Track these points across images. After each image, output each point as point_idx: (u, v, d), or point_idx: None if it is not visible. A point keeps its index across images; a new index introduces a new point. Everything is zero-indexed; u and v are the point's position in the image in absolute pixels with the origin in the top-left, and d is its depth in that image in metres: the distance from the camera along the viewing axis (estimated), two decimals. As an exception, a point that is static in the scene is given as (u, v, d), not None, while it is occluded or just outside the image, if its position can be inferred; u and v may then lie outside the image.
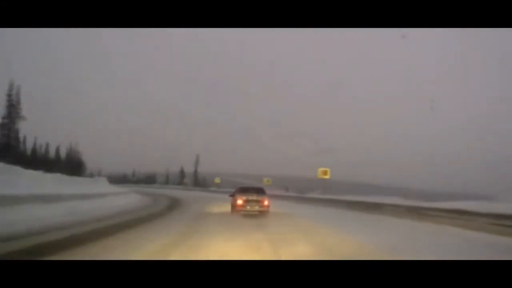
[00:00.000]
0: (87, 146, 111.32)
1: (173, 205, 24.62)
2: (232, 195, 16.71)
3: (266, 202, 15.25)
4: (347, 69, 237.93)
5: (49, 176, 19.72)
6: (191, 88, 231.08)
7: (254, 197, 15.44)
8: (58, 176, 22.49)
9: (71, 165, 51.15)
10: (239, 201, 15.20)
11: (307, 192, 35.48)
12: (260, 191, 16.40)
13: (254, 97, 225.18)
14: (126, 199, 26.85)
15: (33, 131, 55.33)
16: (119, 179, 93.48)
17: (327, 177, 32.71)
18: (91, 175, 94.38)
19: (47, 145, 52.66)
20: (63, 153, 58.53)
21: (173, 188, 68.10)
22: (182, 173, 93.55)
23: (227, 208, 17.25)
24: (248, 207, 15.05)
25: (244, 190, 16.33)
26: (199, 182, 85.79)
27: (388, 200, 16.82)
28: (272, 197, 34.48)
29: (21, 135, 46.23)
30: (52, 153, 55.90)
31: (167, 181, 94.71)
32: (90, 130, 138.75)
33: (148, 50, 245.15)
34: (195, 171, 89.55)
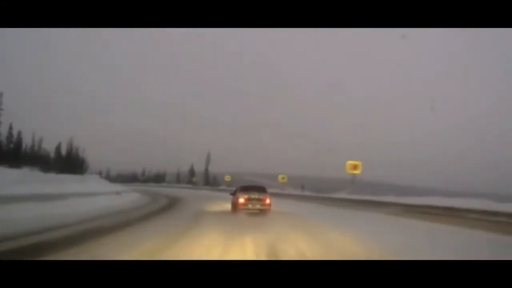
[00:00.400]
0: (96, 146, 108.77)
1: (171, 204, 22.36)
2: (233, 194, 16.44)
3: (267, 201, 15.02)
4: (347, 69, 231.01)
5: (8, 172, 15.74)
6: (201, 88, 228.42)
7: (255, 195, 15.13)
8: (25, 172, 18.63)
9: (71, 162, 47.54)
10: (241, 200, 14.87)
11: (329, 192, 29.29)
12: (261, 189, 16.12)
13: (263, 98, 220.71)
14: (120, 198, 23.10)
15: (35, 130, 52.67)
16: (128, 178, 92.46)
17: (357, 172, 26.26)
18: (100, 174, 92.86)
19: (41, 141, 49.12)
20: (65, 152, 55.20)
21: (181, 187, 64.27)
22: (192, 172, 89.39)
23: (229, 207, 16.52)
24: (249, 206, 14.82)
25: (245, 189, 15.92)
26: (210, 181, 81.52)
27: (472, 204, 11.36)
28: (285, 197, 30.72)
29: (14, 132, 42.99)
30: (50, 151, 52.53)
31: (178, 180, 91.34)
32: (100, 130, 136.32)
33: (158, 51, 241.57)
34: (206, 170, 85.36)
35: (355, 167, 26.67)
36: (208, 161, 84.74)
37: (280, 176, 42.98)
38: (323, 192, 35.07)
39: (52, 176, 21.93)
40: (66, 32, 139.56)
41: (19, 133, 44.53)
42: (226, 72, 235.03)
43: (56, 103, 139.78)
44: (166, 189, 53.70)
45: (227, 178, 60.69)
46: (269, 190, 37.39)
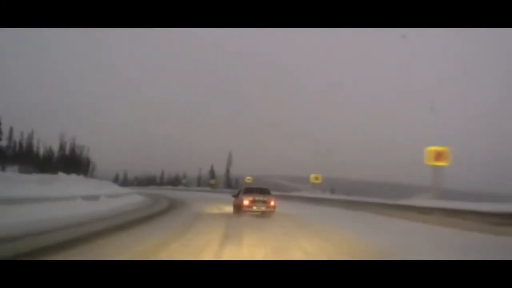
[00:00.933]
0: (114, 148, 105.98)
1: (170, 206, 20.79)
2: (236, 196, 16.85)
3: (272, 203, 15.24)
4: (347, 69, 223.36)
5: None
6: (211, 89, 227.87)
7: (260, 197, 15.30)
8: None
9: (71, 161, 42.19)
10: (246, 202, 15.00)
11: (396, 197, 18.64)
12: (266, 191, 16.14)
13: (274, 100, 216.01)
14: (92, 206, 16.53)
15: (37, 130, 48.48)
16: (144, 181, 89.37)
17: (442, 164, 16.17)
18: (117, 177, 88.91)
19: (37, 140, 44.49)
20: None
21: (197, 190, 57.78)
22: (212, 174, 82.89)
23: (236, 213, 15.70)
24: (254, 208, 14.96)
25: (250, 191, 16.11)
26: (231, 183, 74.52)
27: None
28: (319, 202, 23.42)
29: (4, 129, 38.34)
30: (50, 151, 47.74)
31: (198, 182, 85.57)
32: (118, 133, 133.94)
33: (167, 51, 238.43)
34: (227, 171, 78.55)
35: (439, 155, 16.14)
36: (229, 162, 77.94)
37: (312, 176, 34.81)
38: (351, 195, 27.96)
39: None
40: (69, 32, 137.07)
41: (11, 129, 39.79)
42: (228, 73, 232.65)
43: (64, 104, 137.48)
44: (178, 193, 47.96)
45: (248, 179, 52.57)
46: (297, 194, 30.37)
